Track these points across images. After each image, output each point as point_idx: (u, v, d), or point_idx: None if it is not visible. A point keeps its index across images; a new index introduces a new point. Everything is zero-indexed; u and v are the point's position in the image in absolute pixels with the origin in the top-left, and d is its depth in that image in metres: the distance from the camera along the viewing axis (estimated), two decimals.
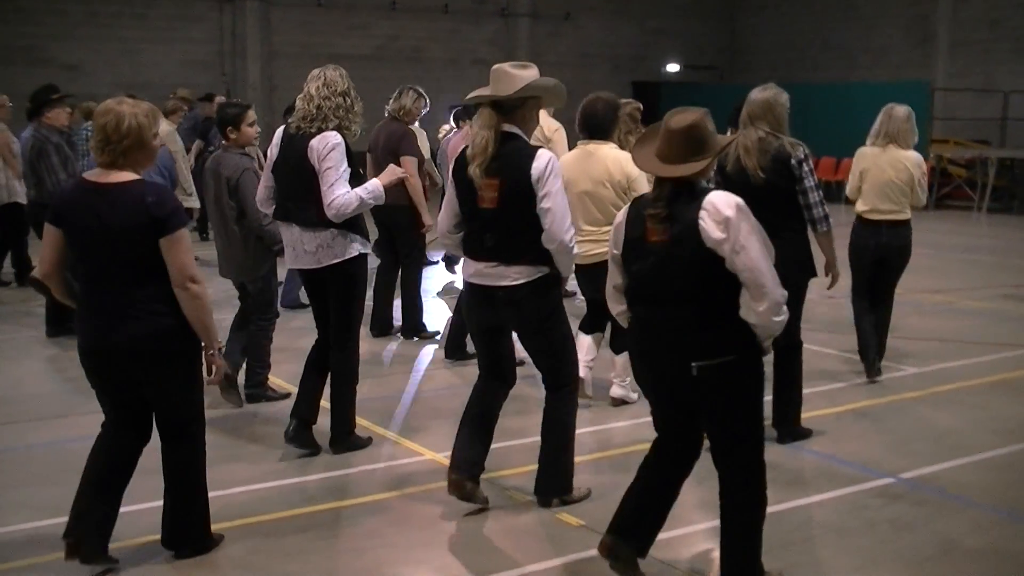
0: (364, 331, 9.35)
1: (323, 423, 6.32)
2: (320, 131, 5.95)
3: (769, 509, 4.74)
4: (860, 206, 8.05)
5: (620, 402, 7.28)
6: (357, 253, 6.11)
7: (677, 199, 4.12)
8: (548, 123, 9.44)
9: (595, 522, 5.13)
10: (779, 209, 6.14)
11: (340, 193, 5.86)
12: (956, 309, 11.16)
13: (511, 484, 5.80)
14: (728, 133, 6.55)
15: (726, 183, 6.15)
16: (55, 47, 22.77)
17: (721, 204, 4.03)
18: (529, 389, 5.54)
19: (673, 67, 31.01)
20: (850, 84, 25.14)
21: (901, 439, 6.81)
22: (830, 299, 7.03)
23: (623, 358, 7.09)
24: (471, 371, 5.83)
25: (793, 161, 6.24)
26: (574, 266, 6.82)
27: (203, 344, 4.60)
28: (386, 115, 9.31)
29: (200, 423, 4.78)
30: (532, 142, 5.32)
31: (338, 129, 5.99)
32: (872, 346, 8.09)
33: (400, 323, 9.56)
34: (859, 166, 8.07)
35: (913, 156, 7.92)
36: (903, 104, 7.91)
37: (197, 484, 4.81)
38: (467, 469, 5.36)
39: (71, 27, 23.14)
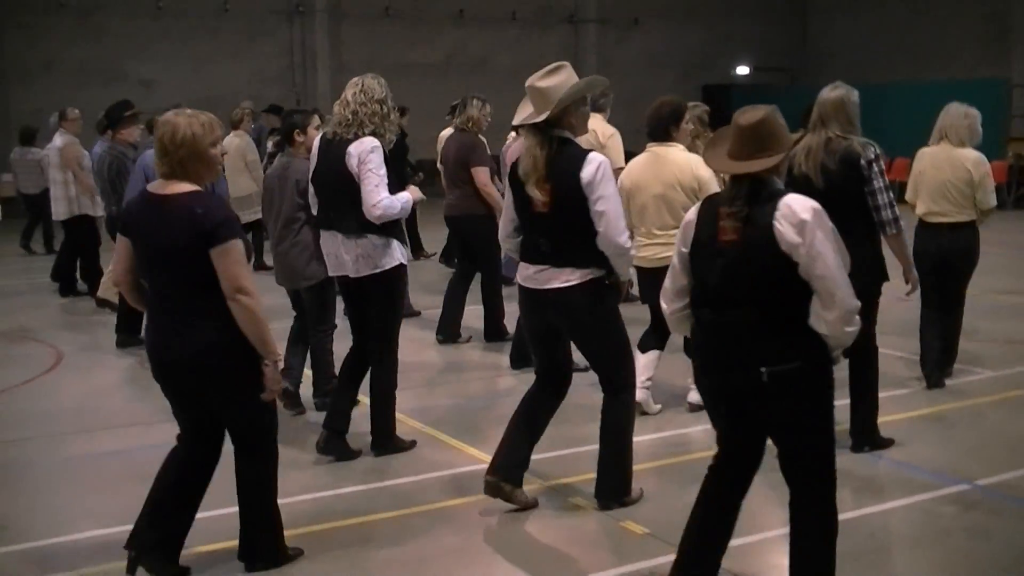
0: (430, 337, 9.43)
1: (362, 425, 6.49)
2: (357, 137, 5.98)
3: (840, 517, 4.64)
4: (919, 208, 7.78)
5: (698, 407, 6.97)
6: (397, 263, 6.13)
7: (753, 198, 3.98)
8: (603, 128, 9.38)
9: (660, 530, 5.08)
10: (848, 212, 5.77)
11: (384, 196, 5.92)
12: None
13: (578, 490, 5.75)
14: (800, 135, 6.38)
15: (793, 186, 5.97)
16: (130, 64, 23.12)
17: (798, 207, 3.89)
18: (597, 396, 5.49)
19: (743, 70, 30.76)
20: (924, 84, 24.71)
21: (975, 445, 6.65)
22: (903, 301, 6.81)
23: (648, 358, 7.11)
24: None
25: (863, 161, 6.05)
26: (638, 270, 6.84)
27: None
28: (453, 128, 9.32)
29: (270, 438, 4.75)
30: (586, 147, 5.33)
31: (374, 135, 6.00)
32: (932, 356, 7.84)
33: (480, 328, 9.62)
34: (917, 167, 7.82)
35: (972, 155, 7.58)
36: (969, 104, 7.66)
37: (267, 500, 4.80)
38: (505, 471, 5.40)
39: (145, 44, 23.49)
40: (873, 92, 22.97)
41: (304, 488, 5.86)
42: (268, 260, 8.56)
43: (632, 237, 6.58)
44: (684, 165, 6.79)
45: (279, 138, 8.48)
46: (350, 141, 5.98)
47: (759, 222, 3.92)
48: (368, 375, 6.39)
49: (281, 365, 4.59)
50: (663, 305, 4.38)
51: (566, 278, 5.17)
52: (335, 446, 6.30)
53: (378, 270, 6.08)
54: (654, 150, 6.92)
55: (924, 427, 7.02)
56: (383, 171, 5.94)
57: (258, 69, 24.68)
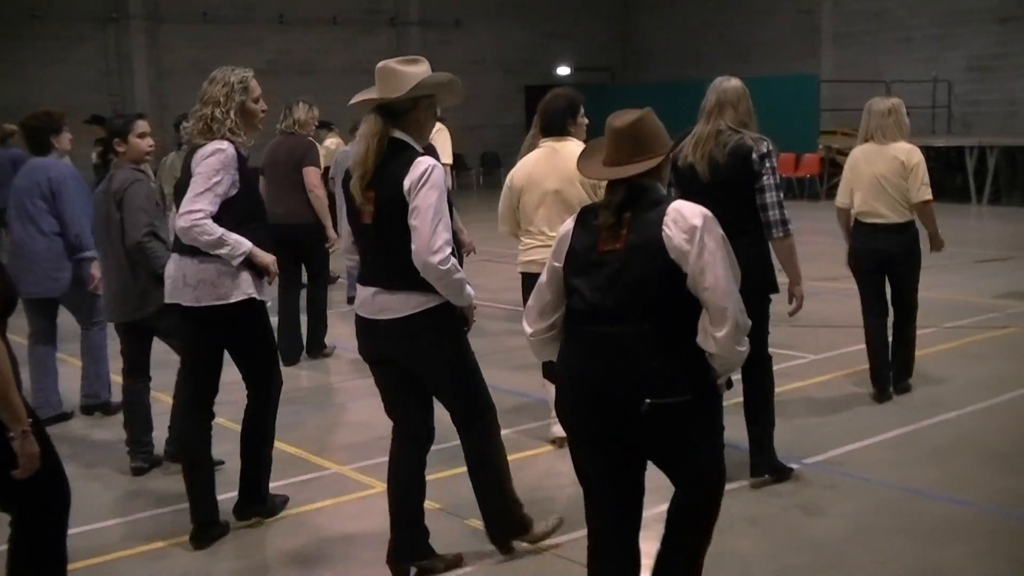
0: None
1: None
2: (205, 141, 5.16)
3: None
4: (856, 205, 7.39)
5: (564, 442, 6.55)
6: (245, 297, 5.13)
7: (634, 204, 3.60)
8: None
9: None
10: (737, 210, 5.43)
11: (202, 208, 4.95)
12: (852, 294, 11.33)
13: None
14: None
15: (676, 179, 5.67)
16: None
17: (688, 212, 3.53)
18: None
19: (564, 70, 31.17)
20: (742, 79, 25.52)
21: (805, 425, 6.92)
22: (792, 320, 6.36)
23: None
24: None
25: (755, 155, 5.58)
26: (525, 277, 6.23)
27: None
28: (279, 132, 8.98)
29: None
30: None
31: (223, 138, 5.15)
32: (885, 363, 7.49)
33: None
34: (849, 165, 7.52)
35: (904, 146, 7.27)
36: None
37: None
38: (402, 555, 4.76)
39: None
40: (695, 88, 23.58)
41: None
42: None
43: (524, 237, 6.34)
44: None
45: (102, 148, 8.06)
46: (199, 146, 5.14)
47: (645, 228, 3.55)
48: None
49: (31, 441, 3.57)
50: (525, 326, 3.91)
51: (399, 308, 4.46)
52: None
53: (222, 302, 5.08)
54: (550, 144, 6.32)
55: None
56: (216, 179, 4.96)
57: (73, 76, 23.89)
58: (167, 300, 5.26)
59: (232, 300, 5.05)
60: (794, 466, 6.08)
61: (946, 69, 24.96)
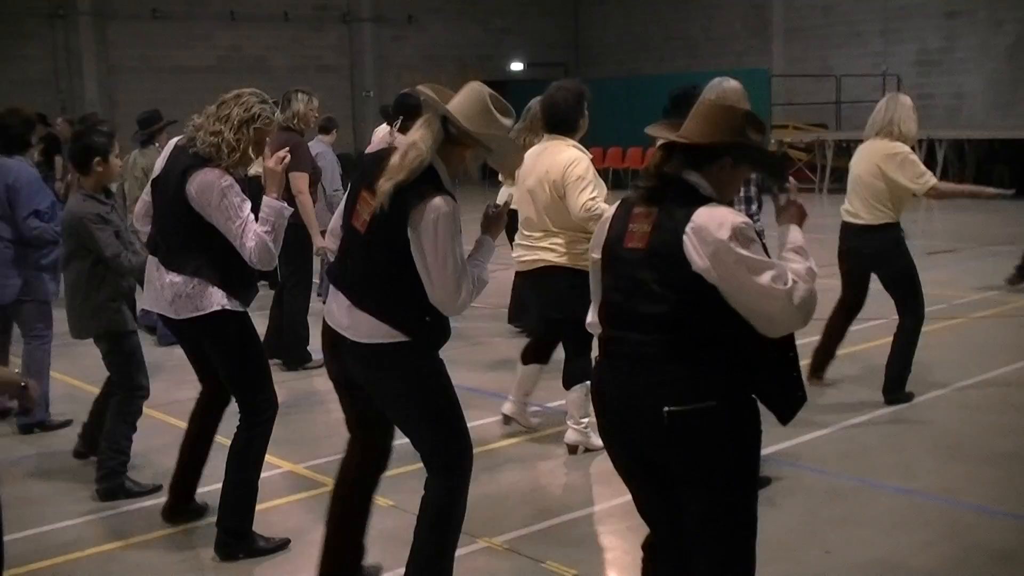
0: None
1: None
2: (202, 161, 4.90)
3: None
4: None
5: (576, 449, 6.33)
6: (218, 307, 4.95)
7: (664, 199, 3.27)
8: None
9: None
10: None
11: (251, 238, 4.82)
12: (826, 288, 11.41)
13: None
14: None
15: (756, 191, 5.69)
16: None
17: (712, 224, 3.13)
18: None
19: (517, 65, 31.21)
20: (695, 74, 25.66)
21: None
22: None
23: (576, 394, 6.23)
24: None
25: None
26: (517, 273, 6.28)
27: None
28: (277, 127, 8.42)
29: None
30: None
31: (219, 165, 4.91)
32: (826, 351, 7.54)
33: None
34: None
35: (889, 146, 6.95)
36: (902, 94, 7.12)
37: None
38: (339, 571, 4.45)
39: None
40: (646, 83, 23.87)
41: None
42: None
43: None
44: (560, 160, 6.02)
45: (44, 147, 7.62)
46: (198, 163, 4.87)
47: (668, 233, 3.20)
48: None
49: (33, 384, 3.43)
50: (589, 315, 3.62)
51: (362, 330, 4.01)
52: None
53: (201, 312, 4.94)
54: (547, 140, 6.24)
55: None
56: (245, 209, 4.81)
57: (19, 74, 23.58)
58: (148, 307, 5.18)
59: (211, 310, 4.90)
60: None
61: (895, 63, 25.23)
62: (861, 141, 7.24)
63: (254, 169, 5.43)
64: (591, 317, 3.58)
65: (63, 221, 5.97)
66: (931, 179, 6.90)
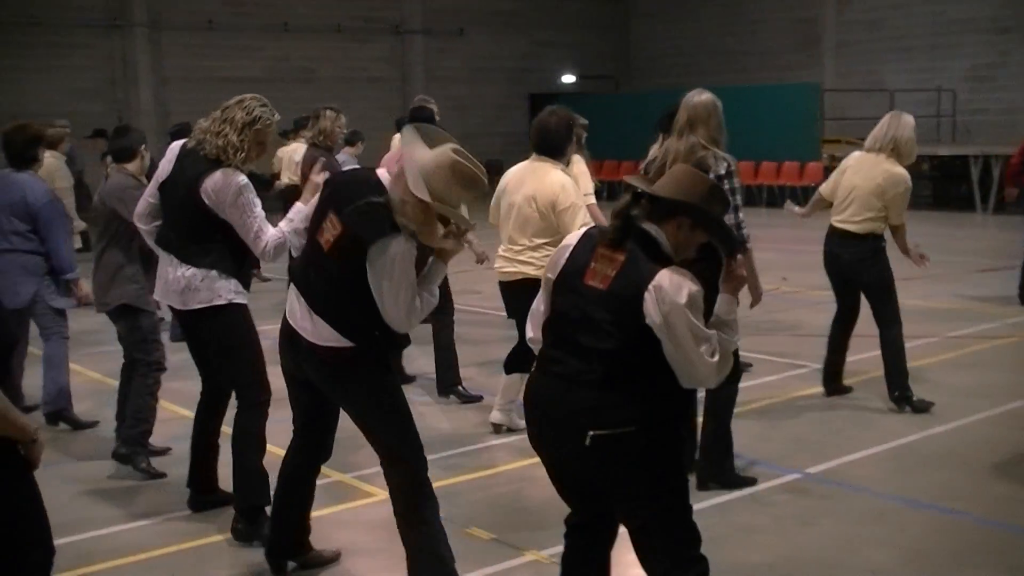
0: None
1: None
2: (212, 163, 5.21)
3: None
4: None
5: (501, 428, 7.00)
6: (227, 301, 5.28)
7: (630, 246, 3.55)
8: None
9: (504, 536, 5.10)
10: None
11: (269, 234, 5.19)
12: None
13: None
14: (659, 139, 6.21)
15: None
16: None
17: (671, 288, 3.44)
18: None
19: (568, 78, 31.24)
20: (742, 87, 25.60)
21: (802, 435, 6.96)
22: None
23: (511, 380, 6.84)
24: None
25: (711, 176, 5.37)
26: (499, 282, 6.62)
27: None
28: (304, 142, 8.62)
29: None
30: None
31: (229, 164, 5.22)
32: (833, 364, 7.73)
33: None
34: (843, 167, 7.58)
35: (898, 174, 7.24)
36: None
37: None
38: (282, 553, 4.93)
39: None
40: None
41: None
42: None
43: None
44: (549, 183, 6.35)
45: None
46: (210, 166, 5.16)
47: (629, 283, 3.50)
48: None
49: (42, 439, 3.48)
50: (528, 331, 3.95)
51: (315, 333, 4.36)
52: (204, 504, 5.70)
53: (207, 304, 5.26)
54: (534, 160, 6.53)
55: (753, 420, 7.28)
56: (257, 208, 5.17)
57: (75, 84, 23.94)
58: (159, 299, 5.57)
59: (217, 303, 5.24)
60: (795, 475, 6.11)
61: (945, 78, 25.01)
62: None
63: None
64: (532, 333, 3.89)
65: (101, 198, 6.48)
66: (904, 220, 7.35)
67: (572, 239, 3.78)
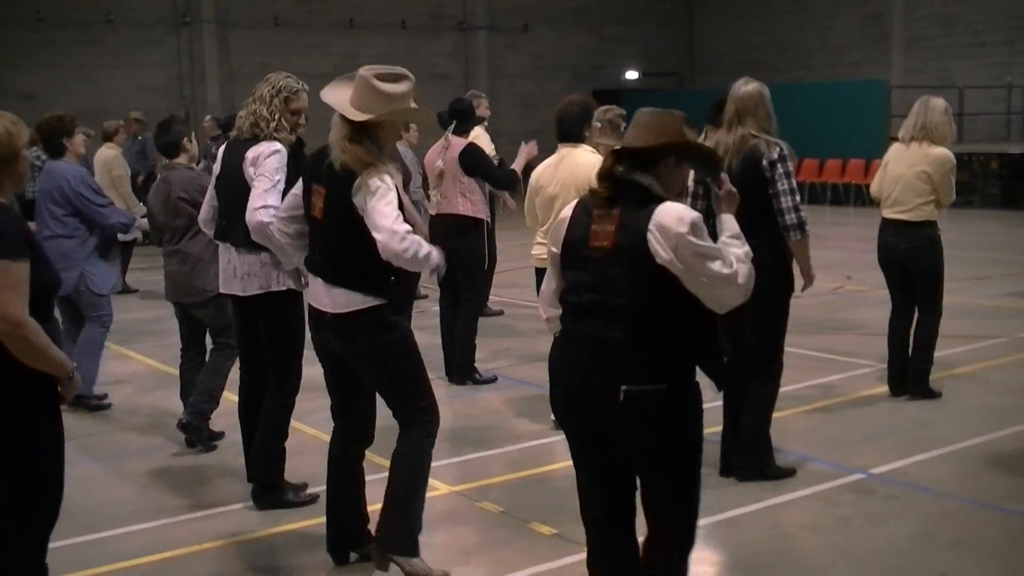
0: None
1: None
2: (256, 139, 5.43)
3: (743, 510, 4.64)
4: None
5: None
6: (286, 287, 5.44)
7: (622, 200, 3.63)
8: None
9: (569, 531, 5.09)
10: (750, 216, 4.86)
11: (272, 202, 5.13)
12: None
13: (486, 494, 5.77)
14: (706, 133, 6.10)
15: (705, 191, 5.80)
16: (11, 76, 22.57)
17: (670, 221, 3.51)
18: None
19: (632, 74, 31.12)
20: (809, 84, 25.33)
21: (868, 435, 6.85)
22: (796, 298, 6.21)
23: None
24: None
25: (765, 162, 5.60)
26: (536, 270, 6.82)
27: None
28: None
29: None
30: None
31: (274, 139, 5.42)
32: (898, 363, 7.64)
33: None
34: (885, 161, 7.65)
35: (943, 155, 7.35)
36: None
37: None
38: (342, 545, 4.96)
39: (27, 55, 22.97)
40: None
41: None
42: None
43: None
44: (584, 166, 6.39)
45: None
46: (249, 144, 5.41)
47: (631, 232, 3.56)
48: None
49: (78, 377, 3.76)
50: (540, 312, 4.05)
51: (338, 303, 4.54)
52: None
53: (264, 291, 5.45)
54: (562, 150, 6.80)
55: (819, 419, 7.21)
56: (279, 176, 5.22)
57: (145, 80, 24.29)
58: (221, 290, 5.72)
59: (273, 289, 5.42)
60: (860, 475, 6.03)
61: (1020, 74, 24.53)
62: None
63: None
64: (550, 312, 3.93)
65: (177, 195, 6.64)
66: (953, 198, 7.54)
67: (567, 211, 3.85)
